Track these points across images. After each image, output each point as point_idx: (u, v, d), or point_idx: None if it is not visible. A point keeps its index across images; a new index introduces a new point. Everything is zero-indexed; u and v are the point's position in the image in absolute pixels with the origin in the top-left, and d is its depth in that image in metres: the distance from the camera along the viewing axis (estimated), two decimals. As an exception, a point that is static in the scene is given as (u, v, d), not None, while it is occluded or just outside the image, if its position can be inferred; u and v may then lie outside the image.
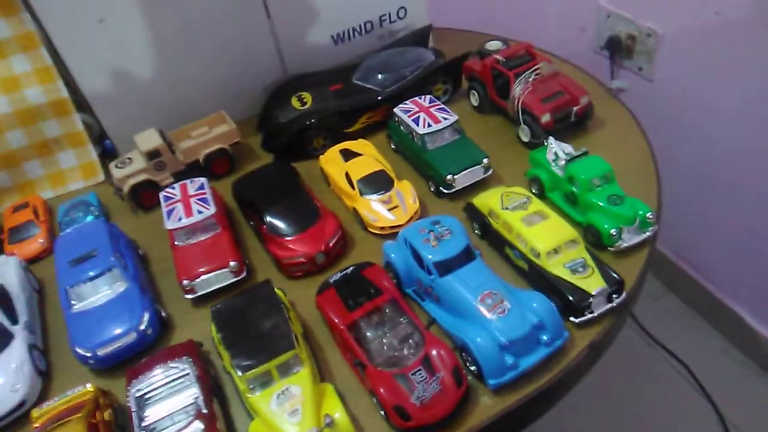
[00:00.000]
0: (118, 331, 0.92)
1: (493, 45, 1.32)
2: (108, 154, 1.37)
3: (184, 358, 0.84)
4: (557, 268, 0.88)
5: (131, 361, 0.90)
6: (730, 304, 2.03)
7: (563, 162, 1.02)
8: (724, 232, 1.93)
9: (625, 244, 0.95)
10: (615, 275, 0.88)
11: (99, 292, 0.97)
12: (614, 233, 0.93)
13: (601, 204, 0.96)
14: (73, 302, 0.96)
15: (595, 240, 0.96)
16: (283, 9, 1.34)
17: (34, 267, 1.15)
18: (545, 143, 1.08)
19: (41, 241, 1.19)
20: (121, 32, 1.22)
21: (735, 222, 1.87)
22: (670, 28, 1.78)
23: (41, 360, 0.96)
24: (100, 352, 0.91)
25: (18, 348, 0.93)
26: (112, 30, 1.21)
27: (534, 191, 1.08)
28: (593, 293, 0.85)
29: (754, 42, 1.54)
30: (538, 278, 0.90)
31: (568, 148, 1.05)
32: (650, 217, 0.95)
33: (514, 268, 0.96)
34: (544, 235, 0.90)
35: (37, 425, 0.80)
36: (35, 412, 0.83)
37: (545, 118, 1.16)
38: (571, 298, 0.85)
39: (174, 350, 0.87)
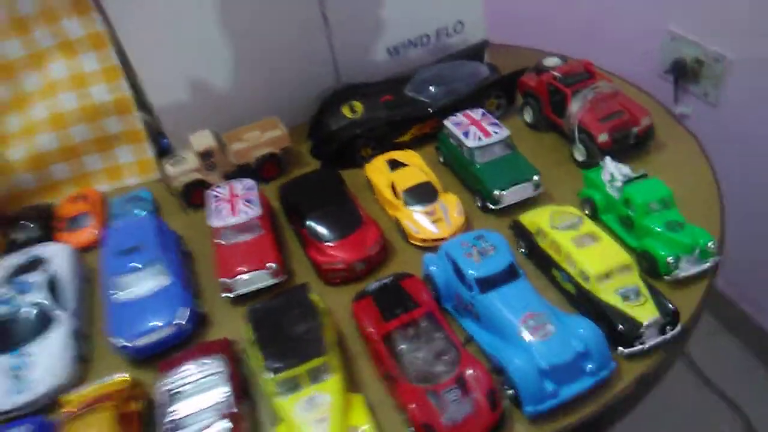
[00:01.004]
0: (157, 323, 0.93)
1: (550, 61, 1.29)
2: (165, 153, 1.40)
3: (218, 355, 0.84)
4: (607, 293, 0.83)
5: (167, 353, 0.91)
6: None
7: (620, 183, 0.97)
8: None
9: (683, 274, 0.89)
10: (670, 305, 0.82)
11: (141, 284, 0.99)
12: (671, 261, 0.88)
13: (659, 229, 0.90)
14: (115, 291, 0.98)
15: (650, 267, 0.91)
16: (341, 18, 1.35)
17: (86, 256, 1.18)
18: (601, 163, 1.03)
19: (95, 231, 1.23)
20: (185, 36, 1.25)
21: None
22: (740, 53, 1.70)
23: (83, 346, 0.98)
24: (138, 343, 0.92)
25: (62, 334, 0.95)
26: (177, 33, 1.25)
27: (587, 213, 1.03)
28: (645, 323, 0.79)
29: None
30: (586, 303, 0.85)
31: (626, 169, 1.00)
32: (711, 246, 0.89)
33: (561, 291, 0.92)
34: (596, 257, 0.85)
35: (66, 410, 0.82)
36: (71, 396, 0.85)
37: (603, 137, 1.11)
38: (620, 327, 0.80)
39: (208, 346, 0.87)
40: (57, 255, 1.09)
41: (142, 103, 1.37)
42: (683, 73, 1.92)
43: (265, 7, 1.28)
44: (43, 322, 0.96)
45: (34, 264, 1.06)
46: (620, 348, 0.81)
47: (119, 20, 1.22)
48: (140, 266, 0.99)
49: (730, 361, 2.05)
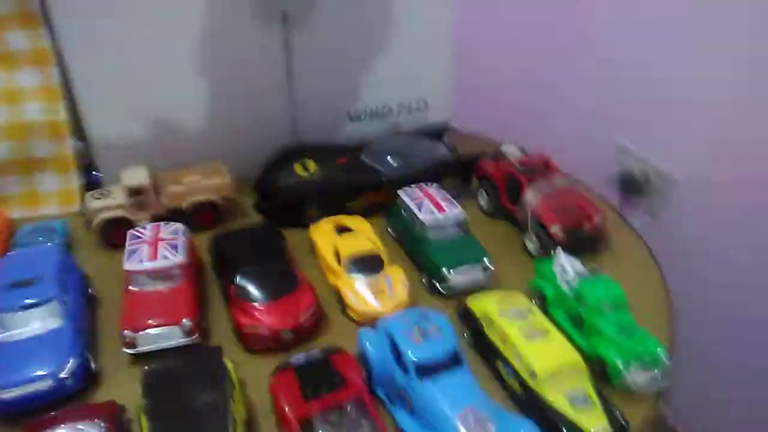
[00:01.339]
0: (35, 373, 0.78)
1: (509, 149, 1.28)
2: (93, 187, 1.28)
3: (97, 422, 0.69)
4: (555, 396, 0.76)
5: (41, 412, 0.75)
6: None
7: (572, 276, 0.93)
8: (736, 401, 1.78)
9: (633, 380, 0.82)
10: (620, 417, 0.75)
11: (29, 324, 0.84)
12: (623, 369, 0.82)
13: (611, 332, 0.85)
14: (-4, 330, 0.83)
15: (599, 372, 0.84)
16: (305, 75, 1.32)
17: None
18: (553, 255, 1.00)
19: (-9, 260, 1.07)
20: (137, 66, 1.18)
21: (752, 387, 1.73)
22: (686, 173, 1.77)
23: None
24: (6, 395, 0.76)
25: None
26: (128, 63, 1.17)
27: (536, 303, 0.97)
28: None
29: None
30: (530, 404, 0.77)
31: (578, 263, 0.96)
32: (663, 356, 0.84)
33: (504, 387, 0.84)
34: (545, 354, 0.79)
35: None
36: None
37: (555, 228, 1.09)
38: (567, 434, 0.72)
39: (89, 409, 0.73)
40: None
41: (78, 130, 1.26)
42: (630, 186, 1.99)
43: (228, 50, 1.23)
44: None
45: None
46: (566, 459, 0.72)
47: (68, 41, 1.14)
48: (30, 303, 0.85)
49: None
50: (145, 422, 0.68)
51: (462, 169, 1.32)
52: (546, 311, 0.96)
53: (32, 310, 0.85)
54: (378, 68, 1.39)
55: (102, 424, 0.69)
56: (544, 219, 1.10)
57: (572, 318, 0.92)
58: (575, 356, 0.79)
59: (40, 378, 0.78)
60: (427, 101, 1.49)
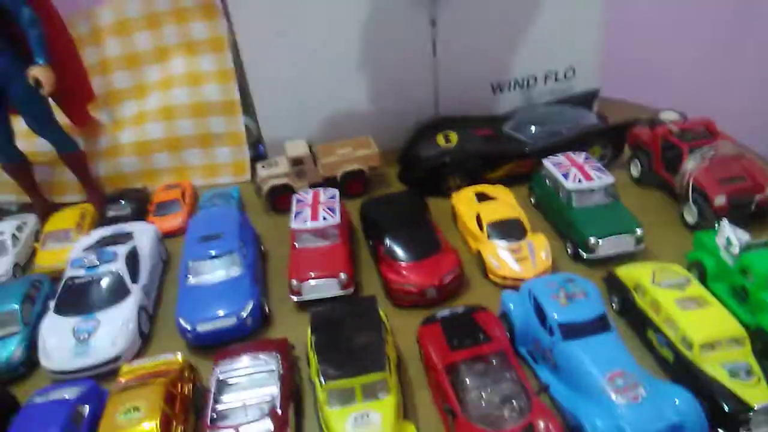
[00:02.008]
0: (222, 312, 0.92)
1: (668, 115, 1.20)
2: (259, 158, 1.44)
3: (274, 353, 0.81)
4: (713, 366, 0.72)
5: (227, 343, 0.88)
6: None
7: (737, 250, 0.86)
8: None
9: (806, 362, 0.75)
10: (789, 393, 0.70)
11: (215, 271, 0.99)
12: (793, 345, 0.75)
13: (780, 306, 0.78)
14: (189, 275, 0.99)
15: (764, 348, 0.78)
16: (449, 50, 1.35)
17: (169, 241, 1.21)
18: (716, 227, 0.93)
19: (181, 220, 1.26)
20: (299, 48, 1.29)
21: None
22: None
23: (146, 324, 0.99)
24: (200, 328, 0.91)
25: (130, 306, 0.97)
26: (291, 45, 1.29)
27: (695, 277, 0.92)
28: (756, 407, 0.68)
29: None
30: (685, 374, 0.75)
31: (745, 235, 0.89)
32: None
33: (656, 357, 0.81)
34: (703, 324, 0.75)
35: (122, 379, 0.81)
36: (125, 367, 0.85)
37: (719, 200, 1.01)
38: (726, 406, 0.68)
39: (267, 344, 0.85)
40: (142, 233, 1.13)
41: (247, 108, 1.42)
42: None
43: (377, 32, 1.30)
44: (117, 293, 0.98)
45: (120, 238, 1.10)
46: (721, 430, 0.69)
47: (242, 29, 1.27)
48: (217, 254, 1.00)
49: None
50: (313, 355, 0.78)
51: (612, 136, 1.26)
52: (705, 285, 0.91)
53: (218, 259, 1.00)
54: (523, 38, 1.37)
55: (278, 356, 0.80)
56: (707, 189, 1.03)
57: (736, 292, 0.86)
58: (737, 327, 0.75)
59: (227, 316, 0.92)
60: (575, 69, 1.44)
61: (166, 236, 1.22)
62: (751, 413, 0.68)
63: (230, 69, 1.40)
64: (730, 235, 0.89)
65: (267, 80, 1.34)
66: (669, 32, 1.82)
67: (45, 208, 1.33)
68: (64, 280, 0.99)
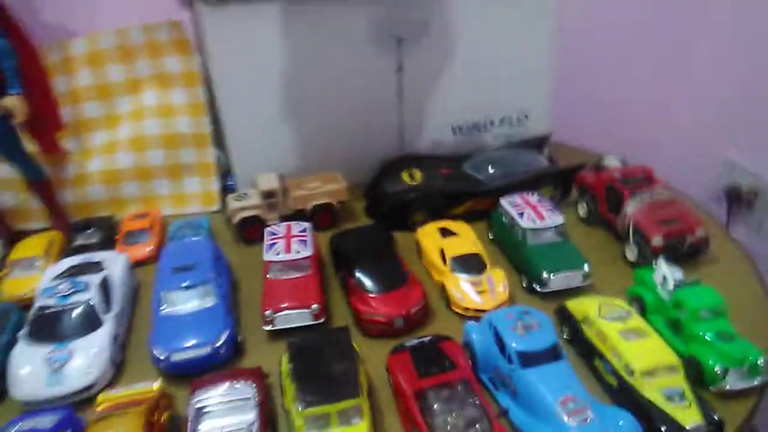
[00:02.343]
0: (196, 341, 0.95)
1: (611, 161, 1.33)
2: (228, 190, 1.47)
3: (249, 381, 0.84)
4: (651, 391, 0.81)
5: (198, 375, 0.91)
6: None
7: (672, 286, 0.97)
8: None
9: (730, 387, 0.86)
10: (715, 416, 0.79)
11: (189, 301, 1.02)
12: (719, 371, 0.85)
13: (708, 338, 0.89)
14: (163, 306, 1.01)
15: (695, 375, 0.88)
16: (414, 92, 1.45)
17: (138, 270, 1.23)
18: (654, 264, 1.04)
19: (150, 248, 1.28)
20: (271, 88, 1.36)
21: None
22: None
23: (119, 352, 1.01)
24: (174, 358, 0.94)
25: (103, 335, 0.98)
26: (265, 84, 1.35)
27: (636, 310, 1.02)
28: (688, 428, 0.77)
29: None
30: (627, 398, 0.83)
31: (679, 273, 1.00)
32: (762, 363, 0.87)
33: (602, 382, 0.90)
34: (642, 353, 0.84)
35: (99, 409, 0.83)
36: (101, 397, 0.87)
37: (657, 240, 1.12)
38: (662, 428, 0.77)
39: (242, 372, 0.88)
40: (113, 262, 1.14)
41: (218, 141, 1.46)
42: (737, 199, 1.93)
43: (347, 74, 1.38)
44: (90, 322, 0.99)
45: (90, 267, 1.11)
46: (660, 451, 0.78)
47: (215, 67, 1.32)
48: (190, 284, 1.03)
49: None
50: (290, 384, 0.82)
51: (561, 179, 1.38)
52: (645, 318, 1.01)
53: (192, 290, 1.03)
54: (480, 85, 1.48)
55: (253, 384, 0.84)
56: (646, 230, 1.14)
57: (670, 324, 0.96)
58: (672, 356, 0.84)
59: (201, 345, 0.95)
60: (527, 115, 1.56)
61: (135, 265, 1.23)
62: (684, 432, 0.77)
63: (202, 103, 1.44)
64: (666, 273, 1.00)
65: (239, 115, 1.39)
66: (614, 79, 1.99)
67: (10, 236, 1.32)
68: (34, 309, 1.00)
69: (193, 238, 1.24)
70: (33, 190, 1.33)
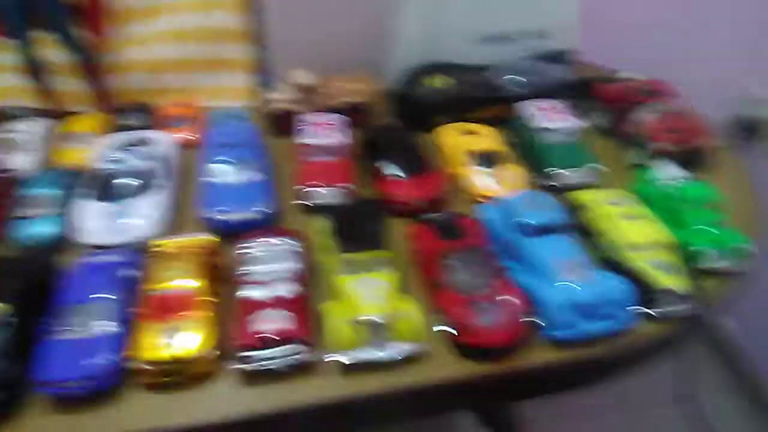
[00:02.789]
0: (244, 206, 1.07)
1: (626, 74, 1.39)
2: (265, 86, 1.55)
3: (294, 237, 0.97)
4: (643, 262, 0.93)
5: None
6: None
7: (671, 181, 1.07)
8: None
9: (716, 266, 0.97)
10: (699, 284, 0.91)
11: (234, 174, 1.13)
12: (707, 252, 0.97)
13: (701, 225, 0.99)
14: (213, 175, 1.12)
15: (687, 256, 1.00)
16: (444, 3, 1.49)
17: (182, 152, 1.34)
18: (657, 165, 1.13)
19: (192, 133, 1.38)
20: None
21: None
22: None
23: (172, 214, 1.13)
24: (221, 217, 1.06)
25: (159, 197, 1.10)
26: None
27: (637, 205, 1.12)
28: (673, 290, 0.89)
29: None
30: (623, 269, 0.95)
31: (678, 171, 1.09)
32: (746, 249, 0.98)
33: (600, 259, 1.02)
34: (639, 230, 0.95)
35: (163, 249, 0.96)
36: (164, 242, 0.99)
37: (661, 145, 1.21)
38: (650, 291, 0.89)
39: (287, 230, 1.00)
40: (161, 139, 1.25)
41: (256, 37, 1.53)
42: (752, 131, 1.99)
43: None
44: (145, 185, 1.11)
45: (141, 141, 1.22)
46: (644, 309, 0.90)
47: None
48: (236, 159, 1.14)
49: (738, 418, 2.07)
50: (327, 239, 0.94)
51: (581, 89, 1.45)
52: (644, 211, 1.12)
53: (236, 165, 1.14)
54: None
55: (295, 242, 0.96)
56: (653, 136, 1.23)
57: (668, 215, 1.06)
58: (667, 235, 0.95)
59: (248, 210, 1.06)
60: (556, 29, 1.60)
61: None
62: (670, 296, 0.89)
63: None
64: (667, 170, 1.10)
65: (282, 14, 1.45)
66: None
67: (58, 115, 1.43)
68: (95, 173, 1.12)
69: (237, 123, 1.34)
70: (82, 72, 1.42)
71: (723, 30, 2.05)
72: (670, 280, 0.90)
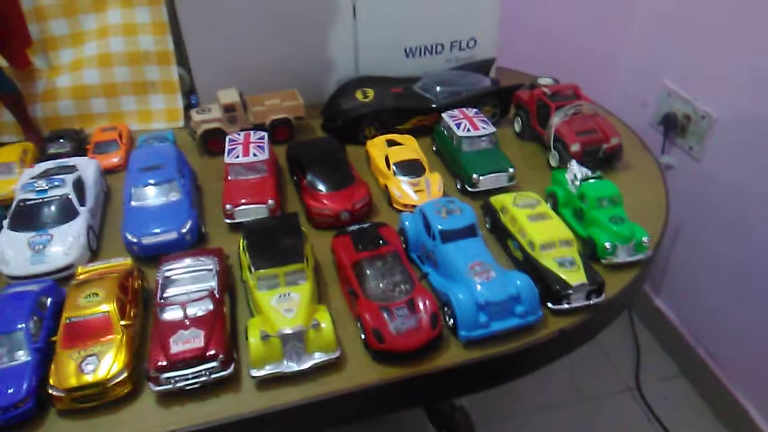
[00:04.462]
0: (163, 228, 1.08)
1: (543, 80, 1.46)
2: (191, 107, 1.57)
3: (211, 256, 0.98)
4: (547, 260, 0.97)
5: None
6: (739, 399, 2.00)
7: (578, 182, 1.12)
8: (746, 326, 1.93)
9: (617, 260, 1.03)
10: (598, 278, 0.96)
11: (156, 196, 1.14)
12: (608, 247, 1.02)
13: (603, 221, 1.05)
14: (133, 199, 1.13)
15: (591, 252, 1.05)
16: (368, 15, 1.54)
17: (108, 177, 1.34)
18: (568, 166, 1.19)
19: (118, 158, 1.39)
20: (230, 7, 1.43)
21: (758, 318, 1.87)
22: (725, 114, 1.87)
23: (94, 240, 1.13)
24: (144, 241, 1.07)
25: (79, 224, 1.10)
26: (223, 3, 1.42)
27: (549, 205, 1.18)
28: (573, 285, 0.94)
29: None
30: (528, 267, 1.00)
31: (586, 171, 1.15)
32: (646, 241, 1.04)
33: (512, 258, 1.06)
34: (543, 231, 1.00)
35: (80, 277, 0.96)
36: (80, 269, 0.99)
37: (575, 147, 1.27)
38: (552, 286, 0.94)
39: (205, 250, 1.02)
40: (85, 166, 1.25)
41: (180, 59, 1.54)
42: (673, 126, 2.09)
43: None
44: (67, 213, 1.11)
45: (65, 169, 1.22)
46: (550, 304, 0.95)
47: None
48: (157, 182, 1.15)
49: (681, 402, 2.16)
50: (245, 255, 0.96)
51: (502, 97, 1.51)
52: (557, 212, 1.17)
53: (158, 186, 1.15)
54: (432, 9, 1.58)
55: (215, 258, 0.98)
56: (566, 138, 1.29)
57: (576, 213, 1.12)
58: (567, 232, 1.00)
59: (168, 231, 1.08)
60: (476, 39, 1.66)
61: (105, 172, 1.34)
62: (570, 290, 0.94)
63: (165, 22, 1.51)
64: (576, 172, 1.15)
65: (201, 34, 1.47)
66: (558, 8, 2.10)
67: (-17, 145, 1.41)
68: (16, 202, 1.11)
69: (160, 144, 1.34)
70: (5, 103, 1.41)
71: (637, 30, 2.16)
72: (573, 276, 0.95)
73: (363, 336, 0.90)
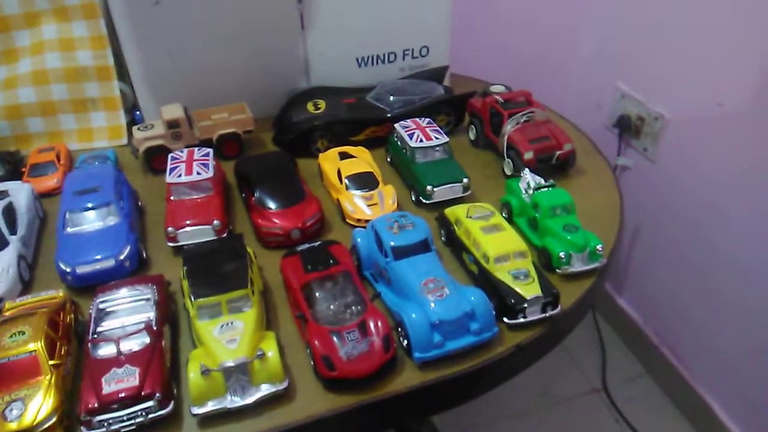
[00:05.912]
0: (100, 255, 1.01)
1: (496, 88, 1.44)
2: (135, 124, 1.50)
3: (150, 285, 0.92)
4: (502, 273, 0.95)
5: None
6: (704, 396, 2.02)
7: (532, 191, 1.11)
8: (707, 324, 1.95)
9: (572, 270, 1.01)
10: (553, 289, 0.94)
11: (93, 221, 1.07)
12: (563, 256, 1.00)
13: (556, 230, 1.03)
14: (67, 225, 1.06)
15: (546, 262, 1.03)
16: (317, 25, 1.50)
17: (44, 201, 1.26)
18: (521, 174, 1.17)
19: (56, 180, 1.31)
20: (172, 18, 1.38)
21: (718, 315, 1.90)
22: (677, 115, 1.89)
23: (26, 271, 1.06)
24: (79, 270, 1.00)
25: (9, 254, 1.03)
26: (165, 14, 1.37)
27: (504, 215, 1.16)
28: (528, 298, 0.91)
29: (752, 134, 1.63)
30: (483, 281, 0.97)
31: (539, 179, 1.13)
32: (600, 249, 1.02)
33: (467, 272, 1.04)
34: (497, 243, 0.98)
35: (6, 314, 0.89)
36: (8, 304, 0.92)
37: (528, 155, 1.26)
38: (506, 299, 0.91)
39: (143, 278, 0.96)
40: (18, 191, 1.17)
41: (122, 74, 1.48)
42: (627, 128, 2.12)
43: (248, 5, 1.41)
44: (-6, 242, 1.03)
45: (-4, 194, 1.14)
46: (505, 319, 0.92)
47: (117, 1, 1.33)
48: (93, 205, 1.08)
49: (646, 402, 2.17)
50: (185, 281, 0.91)
51: (455, 105, 1.49)
52: (512, 221, 1.15)
53: (95, 211, 1.08)
54: (384, 19, 1.55)
55: (153, 287, 0.92)
56: (519, 146, 1.27)
57: (530, 223, 1.11)
58: (521, 244, 0.98)
59: (105, 258, 1.01)
60: (428, 47, 1.64)
61: (42, 196, 1.27)
62: (526, 303, 0.92)
63: (104, 35, 1.45)
64: (529, 181, 1.14)
65: (142, 48, 1.40)
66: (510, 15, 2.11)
67: None
68: (-61, 233, 1.03)
69: (98, 166, 1.27)
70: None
71: (589, 33, 2.18)
72: (528, 289, 0.92)
73: (312, 363, 0.85)
